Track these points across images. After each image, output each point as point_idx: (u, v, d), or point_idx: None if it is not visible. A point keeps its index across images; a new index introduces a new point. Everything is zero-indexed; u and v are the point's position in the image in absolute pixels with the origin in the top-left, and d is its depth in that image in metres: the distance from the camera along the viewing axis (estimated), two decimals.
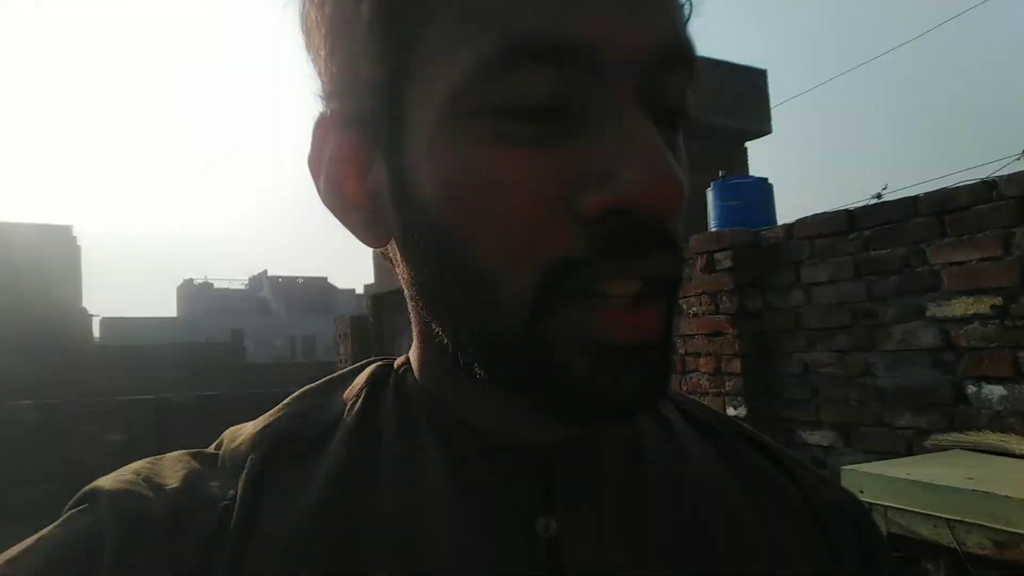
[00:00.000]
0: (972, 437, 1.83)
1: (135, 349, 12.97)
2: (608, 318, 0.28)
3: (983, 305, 1.92)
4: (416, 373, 0.38)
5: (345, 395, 0.38)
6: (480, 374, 0.31)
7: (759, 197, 3.57)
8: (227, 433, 0.37)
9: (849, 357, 2.34)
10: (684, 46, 0.29)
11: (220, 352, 14.02)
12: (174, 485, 0.33)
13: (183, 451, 0.36)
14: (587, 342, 0.28)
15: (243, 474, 0.33)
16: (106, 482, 0.33)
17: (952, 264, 2.00)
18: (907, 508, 1.49)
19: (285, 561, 0.31)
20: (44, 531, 0.32)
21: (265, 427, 0.36)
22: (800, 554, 0.36)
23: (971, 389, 1.97)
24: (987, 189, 1.91)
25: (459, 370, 0.32)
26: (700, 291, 2.79)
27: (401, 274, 0.35)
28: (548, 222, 0.28)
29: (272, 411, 0.37)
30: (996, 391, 1.91)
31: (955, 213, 1.98)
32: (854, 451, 2.33)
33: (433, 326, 0.34)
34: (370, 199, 0.34)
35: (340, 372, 0.40)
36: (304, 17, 0.34)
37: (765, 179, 3.73)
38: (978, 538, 1.38)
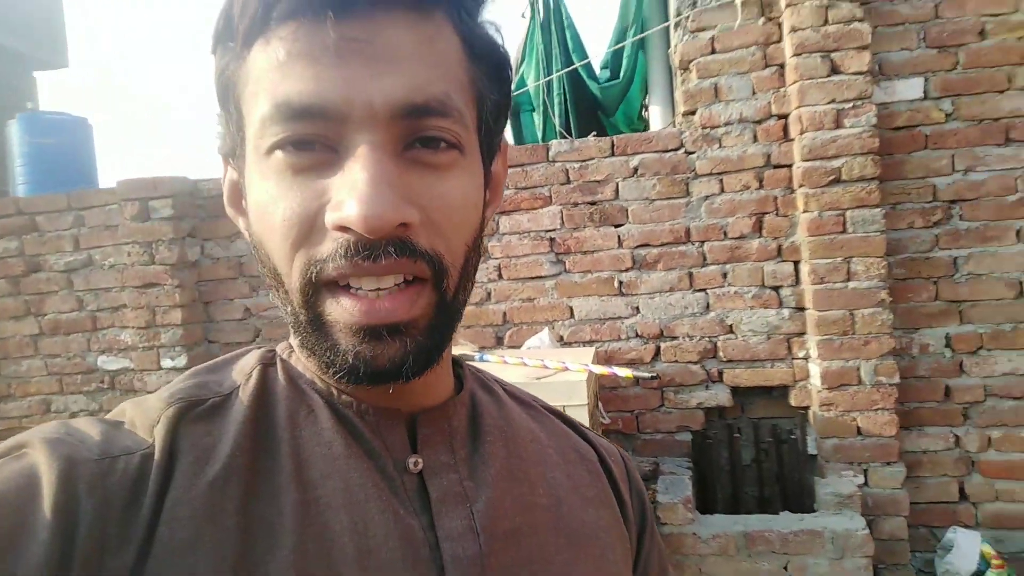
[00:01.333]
0: None
1: None
2: (362, 306, 0.39)
3: None
4: (299, 351, 0.47)
5: (234, 373, 0.46)
6: (300, 344, 0.44)
7: (79, 138, 3.15)
8: (124, 405, 0.44)
9: None
10: (422, 100, 0.39)
11: None
12: (95, 438, 0.39)
13: (87, 418, 0.43)
14: (347, 324, 0.39)
15: (159, 426, 0.41)
16: (33, 435, 0.39)
17: None
18: None
19: (210, 497, 0.38)
20: None
21: (173, 392, 0.44)
22: (595, 491, 0.52)
23: None
24: None
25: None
26: (130, 240, 2.55)
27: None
28: (306, 232, 0.39)
29: (172, 383, 0.45)
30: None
31: None
32: None
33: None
34: (246, 211, 0.44)
35: (227, 355, 0.49)
36: None
37: (86, 119, 3.40)
38: None
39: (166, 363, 2.57)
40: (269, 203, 0.40)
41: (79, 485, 0.36)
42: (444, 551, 0.41)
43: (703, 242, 2.45)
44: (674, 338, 2.50)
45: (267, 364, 0.46)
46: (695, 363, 2.49)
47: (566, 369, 2.03)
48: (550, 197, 2.55)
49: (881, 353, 2.25)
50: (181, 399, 0.42)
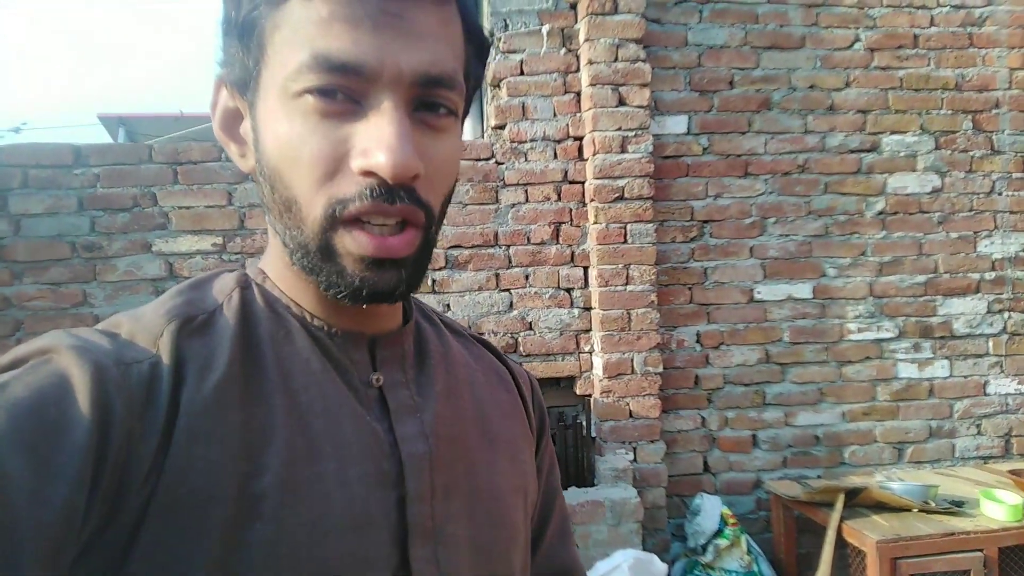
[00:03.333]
0: None
1: None
2: (373, 241, 0.46)
3: (206, 242, 2.44)
4: (273, 277, 0.53)
5: (215, 292, 0.52)
6: (295, 265, 0.49)
7: None
8: (116, 318, 0.49)
9: (64, 289, 2.36)
10: (438, 72, 0.46)
11: None
12: (108, 347, 0.44)
13: (86, 328, 0.47)
14: (357, 254, 0.46)
15: (164, 338, 0.46)
16: (53, 340, 0.44)
17: (182, 207, 2.41)
18: None
19: (216, 397, 0.45)
20: (5, 378, 0.41)
21: (168, 309, 0.49)
22: (510, 406, 0.64)
23: None
24: (217, 150, 2.43)
25: (293, 267, 0.50)
26: None
27: (261, 194, 0.51)
28: (332, 172, 0.45)
29: (160, 301, 0.50)
30: None
31: (187, 165, 2.40)
32: None
33: (274, 231, 0.51)
34: (242, 138, 0.52)
35: (199, 277, 0.55)
36: (221, 7, 0.50)
37: None
38: None
39: None
40: (295, 140, 0.45)
41: (108, 385, 0.41)
42: (402, 449, 0.50)
43: (509, 246, 2.66)
44: (482, 334, 2.68)
45: (244, 287, 0.52)
46: None
47: None
48: None
49: (650, 347, 2.63)
50: (177, 315, 0.48)
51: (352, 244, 0.46)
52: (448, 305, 2.66)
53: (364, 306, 0.49)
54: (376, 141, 0.44)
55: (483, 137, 2.80)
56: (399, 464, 0.50)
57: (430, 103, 0.47)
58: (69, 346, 0.42)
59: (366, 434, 0.49)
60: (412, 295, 0.60)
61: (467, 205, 2.65)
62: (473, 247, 2.65)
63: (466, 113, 0.55)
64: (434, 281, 2.65)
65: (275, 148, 0.47)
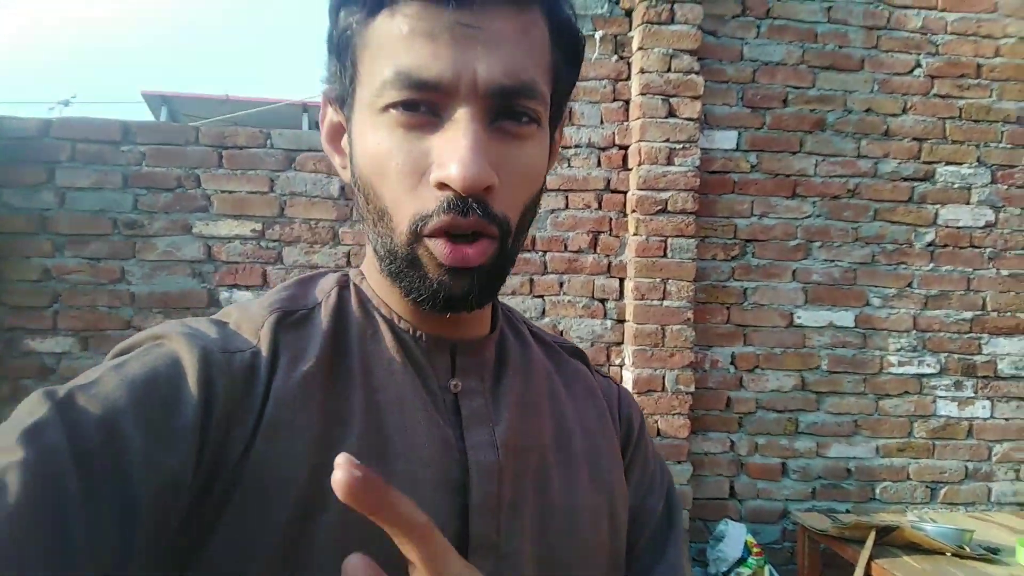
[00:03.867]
0: None
1: None
2: (449, 250, 0.47)
3: (245, 228, 2.44)
4: (370, 280, 0.56)
5: (317, 291, 0.55)
6: (384, 271, 0.51)
7: None
8: (228, 309, 0.53)
9: (103, 264, 2.38)
10: (514, 82, 0.46)
11: None
12: (215, 336, 0.48)
13: (198, 318, 0.51)
14: (438, 263, 0.48)
15: (264, 329, 0.50)
16: (165, 329, 0.48)
17: (224, 191, 2.42)
18: None
19: (302, 387, 0.48)
20: (122, 359, 0.45)
21: (272, 302, 0.53)
22: (594, 419, 0.62)
23: (224, 295, 2.46)
24: (262, 136, 2.43)
25: (383, 274, 0.52)
26: None
27: (357, 202, 0.53)
28: (415, 184, 0.47)
29: (268, 294, 0.55)
30: (246, 296, 2.47)
31: (232, 150, 2.40)
32: (93, 355, 2.40)
33: (369, 240, 0.53)
34: (344, 151, 0.54)
35: (308, 275, 0.58)
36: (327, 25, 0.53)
37: None
38: None
39: None
40: (384, 153, 0.47)
41: (213, 369, 0.45)
42: (470, 457, 0.50)
43: (546, 252, 2.63)
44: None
45: (342, 287, 0.56)
46: None
47: None
48: None
49: (683, 364, 2.58)
50: (279, 308, 0.51)
51: (435, 250, 0.47)
52: None
53: (447, 315, 0.51)
54: (450, 154, 0.45)
55: None
56: (466, 472, 0.50)
57: (512, 112, 0.48)
58: (180, 333, 0.46)
59: (437, 438, 0.50)
60: (501, 304, 0.62)
61: None
62: None
63: (558, 117, 0.55)
64: None
65: (365, 161, 0.49)
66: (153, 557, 0.41)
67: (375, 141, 0.48)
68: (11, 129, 2.30)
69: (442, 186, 0.46)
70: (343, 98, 0.51)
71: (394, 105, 0.46)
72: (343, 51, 0.50)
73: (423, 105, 0.46)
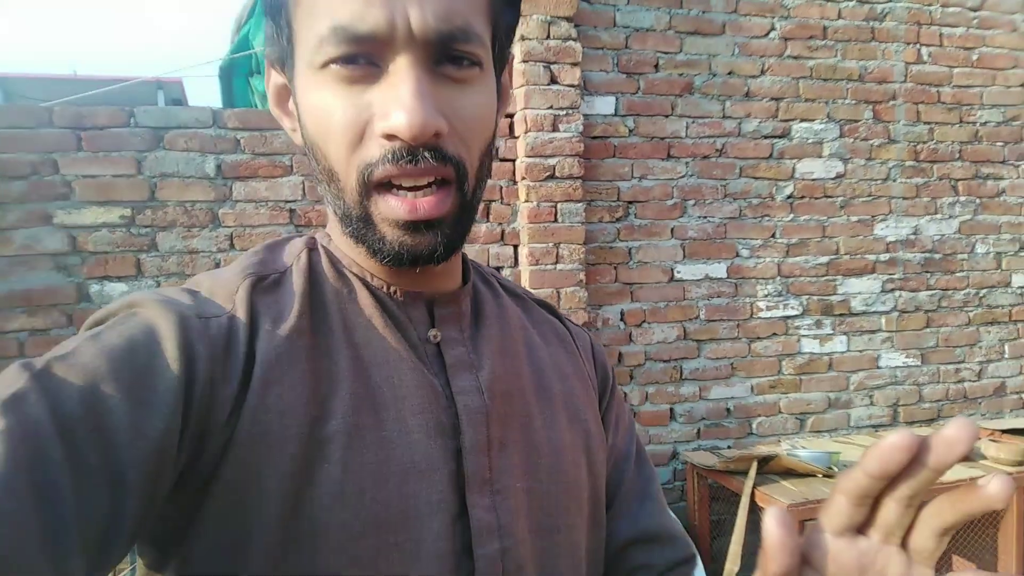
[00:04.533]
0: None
1: None
2: (404, 204, 0.47)
3: (113, 214, 2.27)
4: (338, 242, 0.56)
5: (285, 255, 0.55)
6: (347, 232, 0.51)
7: None
8: (198, 278, 0.53)
9: None
10: (449, 27, 0.45)
11: None
12: (189, 302, 0.48)
13: (169, 287, 0.51)
14: (393, 219, 0.48)
15: (239, 294, 0.49)
16: (139, 297, 0.47)
17: (87, 176, 2.23)
18: None
19: (287, 346, 0.48)
20: (97, 329, 0.44)
21: (243, 267, 0.52)
22: (567, 363, 0.64)
23: (95, 288, 2.29)
24: (125, 115, 2.24)
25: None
26: None
27: (311, 166, 0.52)
28: (359, 137, 0.46)
29: (238, 261, 0.54)
30: (119, 288, 2.31)
31: (92, 131, 2.21)
32: None
33: (327, 202, 0.52)
34: (292, 113, 0.53)
35: (273, 240, 0.58)
36: None
37: None
38: None
39: None
40: (325, 111, 0.47)
41: (191, 332, 0.44)
42: (458, 402, 0.52)
43: None
44: None
45: (311, 248, 0.56)
46: None
47: None
48: (291, 166, 2.47)
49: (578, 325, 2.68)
50: (252, 273, 0.51)
51: (385, 209, 0.47)
52: None
53: (416, 269, 0.51)
54: (393, 102, 0.45)
55: None
56: (455, 417, 0.51)
57: (451, 56, 0.47)
58: (154, 300, 0.46)
59: (424, 387, 0.51)
60: (471, 259, 0.64)
61: None
62: None
63: (503, 60, 0.55)
64: None
65: (310, 120, 0.49)
66: (147, 523, 0.41)
67: (317, 99, 0.47)
68: None
69: (390, 137, 0.46)
70: (283, 59, 0.51)
71: (333, 61, 0.45)
72: (278, 12, 0.49)
73: (361, 57, 0.45)
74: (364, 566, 0.45)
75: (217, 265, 2.44)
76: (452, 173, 0.48)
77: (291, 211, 2.49)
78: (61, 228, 2.25)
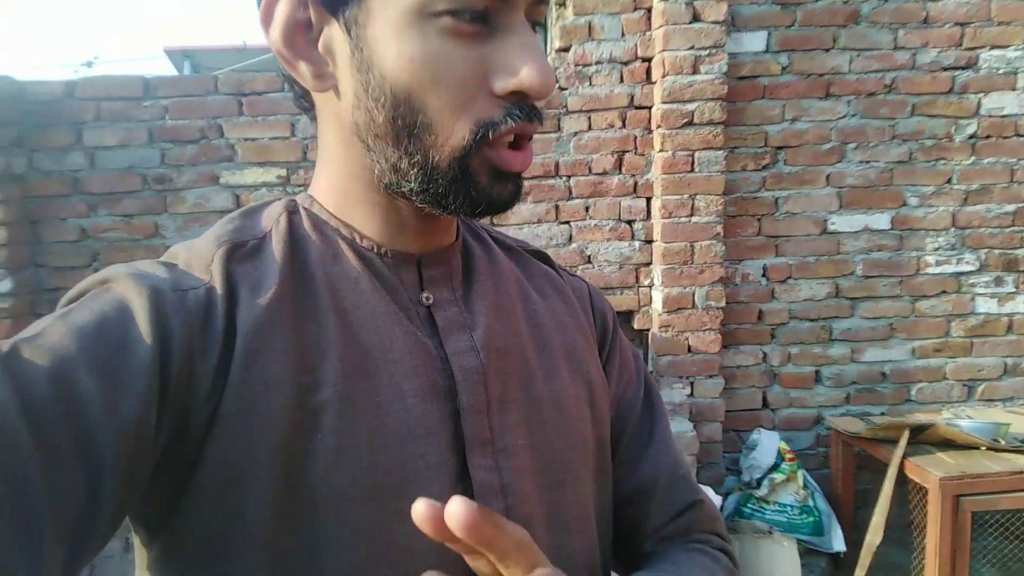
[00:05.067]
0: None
1: None
2: (508, 156, 0.47)
3: (271, 174, 2.46)
4: (324, 203, 0.53)
5: (263, 220, 0.53)
6: (416, 187, 0.48)
7: None
8: (174, 249, 0.50)
9: (137, 220, 2.45)
10: None
11: None
12: (164, 275, 0.46)
13: (144, 260, 0.49)
14: (494, 170, 0.47)
15: (215, 264, 0.47)
16: (112, 272, 0.45)
17: (247, 139, 2.43)
18: None
19: (269, 315, 0.46)
20: (66, 309, 0.43)
21: (218, 236, 0.50)
22: (566, 315, 0.62)
23: None
24: (280, 80, 2.41)
25: (377, 191, 0.51)
26: None
27: (336, 116, 0.50)
28: (475, 94, 0.45)
29: (212, 229, 0.52)
30: None
31: (251, 96, 2.40)
32: None
33: (366, 158, 0.49)
34: (321, 55, 0.48)
35: (250, 207, 0.55)
36: None
37: None
38: None
39: None
40: (434, 63, 0.44)
41: (165, 307, 0.43)
42: (453, 363, 0.51)
43: (570, 176, 2.59)
44: None
45: (291, 212, 0.53)
46: None
47: None
48: None
49: (712, 281, 2.58)
50: (227, 241, 0.49)
51: (497, 160, 0.47)
52: None
53: (430, 221, 0.51)
54: (523, 60, 0.44)
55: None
56: (451, 378, 0.50)
57: (534, 21, 0.48)
58: (127, 275, 0.44)
59: (417, 350, 0.50)
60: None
61: None
62: (533, 178, 2.59)
63: None
64: None
65: (406, 70, 0.45)
66: (131, 503, 0.40)
67: (423, 49, 0.44)
68: (36, 93, 2.32)
69: (514, 95, 0.45)
70: None
71: (453, 12, 0.43)
72: None
73: (479, 14, 0.44)
74: (365, 534, 0.45)
75: None
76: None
77: None
78: (226, 188, 2.48)
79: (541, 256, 0.67)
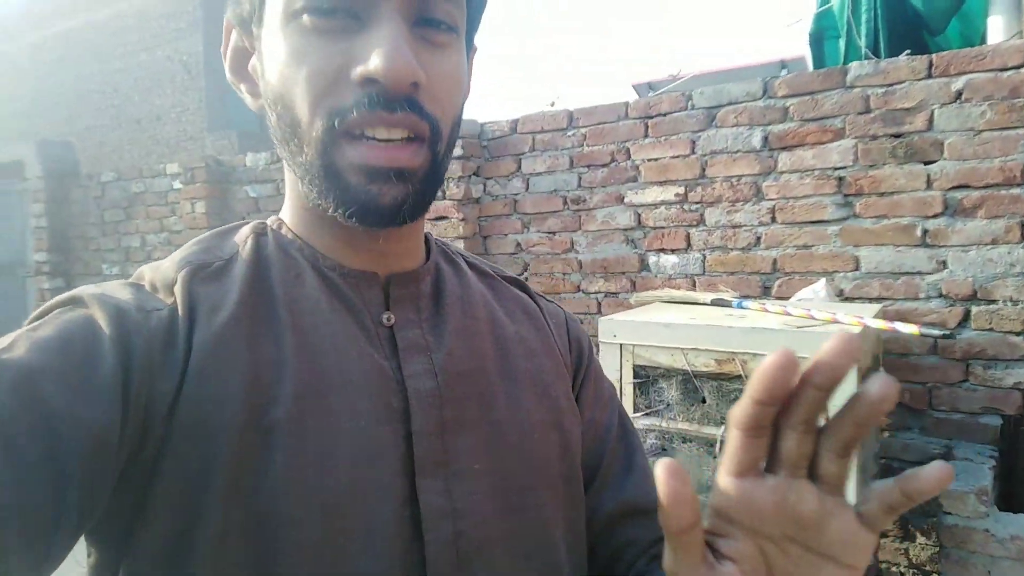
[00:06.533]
0: (663, 293, 2.41)
1: None
2: (375, 152, 0.45)
3: (669, 193, 2.49)
4: (289, 223, 0.54)
5: (232, 241, 0.53)
6: (305, 194, 0.49)
7: None
8: (141, 271, 0.51)
9: (558, 237, 2.75)
10: None
11: None
12: (128, 296, 0.46)
13: (113, 282, 0.49)
14: (360, 167, 0.46)
15: (177, 285, 0.48)
16: (80, 292, 0.46)
17: (650, 160, 2.52)
18: (651, 344, 1.91)
19: (224, 334, 0.46)
20: (36, 324, 0.44)
21: (184, 257, 0.50)
22: (536, 340, 0.61)
23: (652, 259, 2.56)
24: (683, 99, 2.45)
25: (309, 205, 0.51)
26: None
27: (270, 128, 0.51)
28: (331, 83, 0.45)
29: (180, 250, 0.52)
30: (671, 259, 2.52)
31: (656, 118, 2.49)
32: None
33: (288, 165, 0.51)
34: (251, 76, 0.52)
35: (223, 228, 0.55)
36: None
37: None
38: (704, 359, 1.87)
39: None
40: (294, 59, 0.46)
41: (128, 326, 0.45)
42: (408, 386, 0.50)
43: None
44: (991, 301, 2.03)
45: (259, 234, 0.54)
46: (1017, 334, 2.00)
47: (836, 321, 1.79)
48: (843, 129, 2.22)
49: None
50: (190, 263, 0.50)
51: (355, 156, 0.46)
52: (944, 262, 2.08)
53: (379, 239, 0.51)
54: (376, 47, 0.44)
55: (1020, 36, 2.08)
56: (406, 401, 0.50)
57: (431, 19, 0.47)
58: (92, 295, 0.46)
59: (374, 372, 0.49)
60: (434, 237, 0.61)
61: (980, 132, 2.01)
62: (987, 187, 2.00)
63: (470, 43, 0.54)
64: (925, 232, 2.11)
65: (276, 71, 0.47)
66: (93, 515, 0.41)
67: (287, 49, 0.46)
68: (491, 131, 2.87)
69: (366, 83, 0.44)
70: (249, 17, 0.50)
71: (307, 10, 0.45)
72: None
73: (340, 10, 0.45)
74: (311, 553, 0.44)
75: (758, 240, 2.39)
76: (427, 130, 0.47)
77: (839, 179, 2.23)
78: (630, 207, 2.60)
79: (516, 283, 0.66)
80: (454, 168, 2.82)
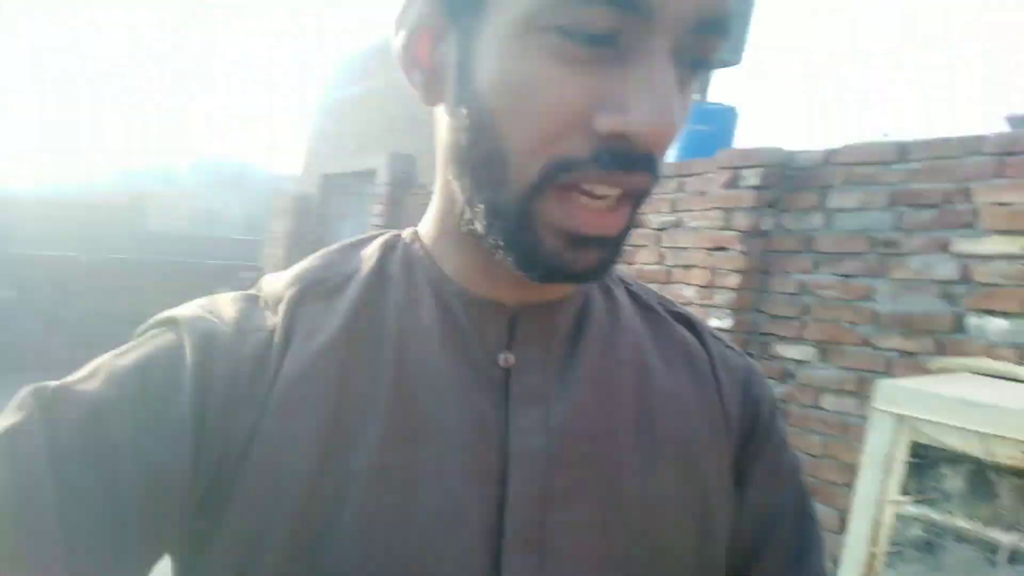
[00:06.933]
0: (977, 362, 1.90)
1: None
2: (584, 216, 0.38)
3: (1015, 245, 1.99)
4: (424, 238, 0.48)
5: (360, 255, 0.48)
6: (480, 230, 0.42)
7: (726, 125, 3.39)
8: (264, 280, 0.48)
9: (853, 282, 2.37)
10: (722, 17, 0.36)
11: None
12: (231, 315, 0.44)
13: (231, 293, 0.46)
14: (562, 228, 0.39)
15: (282, 304, 0.44)
16: (179, 311, 0.44)
17: (998, 204, 2.06)
18: (939, 421, 1.50)
19: (313, 362, 0.42)
20: (127, 347, 0.42)
21: (299, 273, 0.47)
22: (693, 397, 0.49)
23: (974, 320, 2.05)
24: None
25: (461, 228, 0.44)
26: (711, 206, 2.72)
27: (440, 136, 0.44)
28: (567, 129, 0.36)
29: (304, 262, 0.48)
30: (1000, 324, 1.99)
31: (1020, 156, 2.03)
32: (827, 366, 2.38)
33: (453, 186, 0.43)
34: (435, 65, 0.42)
35: (357, 238, 0.51)
36: None
37: (733, 108, 3.61)
38: (1010, 451, 1.40)
39: (713, 322, 2.64)
40: (525, 85, 0.37)
41: (215, 355, 0.41)
42: (512, 442, 0.43)
43: None
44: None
45: (389, 248, 0.49)
46: None
47: None
48: None
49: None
50: (302, 280, 0.46)
51: (561, 215, 0.39)
52: None
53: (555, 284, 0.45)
54: (638, 94, 0.35)
55: None
56: (505, 460, 0.43)
57: (696, 57, 0.38)
58: (188, 317, 0.43)
59: (473, 421, 0.43)
60: None
61: None
62: None
63: None
64: None
65: (496, 89, 0.38)
66: (154, 558, 0.39)
67: (519, 68, 0.37)
68: (799, 160, 2.60)
69: (615, 136, 0.36)
70: (464, 3, 0.39)
71: (566, 33, 0.35)
72: None
73: (607, 41, 0.35)
74: None
75: None
76: (648, 187, 0.40)
77: None
78: (956, 256, 2.12)
79: (686, 321, 0.54)
80: (745, 198, 2.62)
